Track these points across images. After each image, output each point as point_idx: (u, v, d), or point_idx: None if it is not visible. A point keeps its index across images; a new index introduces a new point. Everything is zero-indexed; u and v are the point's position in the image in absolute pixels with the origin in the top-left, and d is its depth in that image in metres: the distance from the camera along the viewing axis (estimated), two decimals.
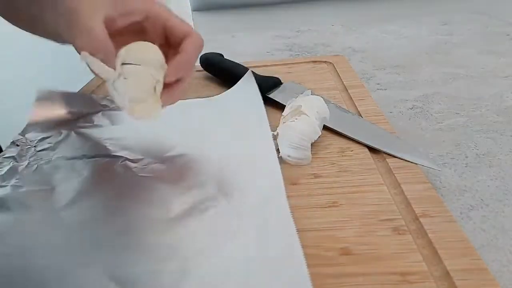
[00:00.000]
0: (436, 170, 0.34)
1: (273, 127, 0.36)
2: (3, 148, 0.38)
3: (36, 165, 0.35)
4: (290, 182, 0.32)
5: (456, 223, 0.26)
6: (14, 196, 0.32)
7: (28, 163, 0.36)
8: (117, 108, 0.45)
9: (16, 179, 0.33)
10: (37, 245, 0.27)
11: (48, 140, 0.39)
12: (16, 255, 0.26)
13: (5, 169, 0.35)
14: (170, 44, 0.32)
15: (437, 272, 0.23)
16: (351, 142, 0.36)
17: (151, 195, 0.31)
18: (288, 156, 0.34)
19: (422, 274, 0.23)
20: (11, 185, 0.33)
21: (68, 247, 0.27)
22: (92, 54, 0.28)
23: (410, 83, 0.54)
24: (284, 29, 0.84)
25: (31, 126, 0.40)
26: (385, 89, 0.53)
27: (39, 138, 0.39)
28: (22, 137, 0.39)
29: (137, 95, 0.30)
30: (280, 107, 0.41)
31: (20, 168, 0.35)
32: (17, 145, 0.38)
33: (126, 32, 0.31)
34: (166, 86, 0.31)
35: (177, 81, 0.31)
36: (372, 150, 0.35)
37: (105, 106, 0.45)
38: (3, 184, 0.33)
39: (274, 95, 0.44)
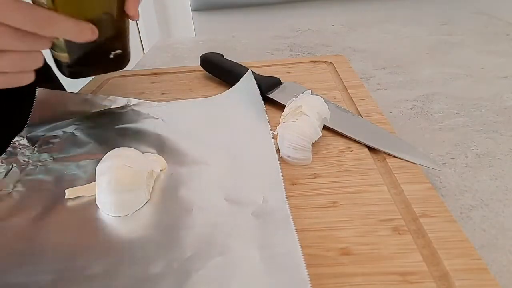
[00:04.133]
0: (436, 170, 0.34)
1: (273, 127, 0.36)
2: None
3: (36, 166, 0.35)
4: (290, 182, 0.32)
5: (456, 223, 0.26)
6: (14, 197, 0.32)
7: (29, 164, 0.36)
8: (117, 108, 0.45)
9: (17, 180, 0.33)
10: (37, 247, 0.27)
11: (48, 140, 0.39)
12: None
13: (6, 170, 0.35)
14: None
15: (437, 272, 0.23)
16: (351, 142, 0.36)
17: None
18: (288, 156, 0.34)
19: (422, 274, 0.23)
20: (12, 186, 0.33)
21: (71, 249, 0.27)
22: None
23: (410, 83, 0.54)
24: (284, 29, 0.84)
25: (32, 126, 0.40)
26: (385, 89, 0.53)
27: (39, 138, 0.39)
28: (22, 137, 0.39)
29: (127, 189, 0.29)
30: (280, 107, 0.41)
31: (20, 169, 0.35)
32: (18, 146, 0.38)
33: None
34: None
35: None
36: (372, 150, 0.35)
37: (105, 106, 0.45)
38: (4, 186, 0.33)
39: (274, 95, 0.44)
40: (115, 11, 0.34)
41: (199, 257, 0.24)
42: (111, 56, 0.36)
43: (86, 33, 0.31)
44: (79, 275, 0.24)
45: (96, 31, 0.32)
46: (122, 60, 0.38)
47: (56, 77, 0.57)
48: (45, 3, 0.29)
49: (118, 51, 0.36)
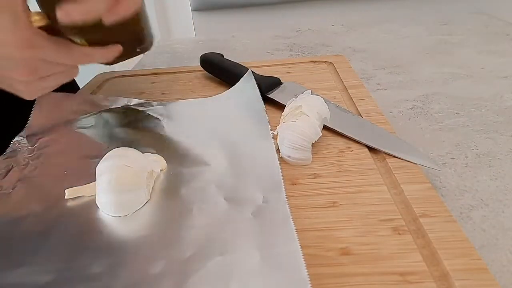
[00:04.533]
0: (436, 170, 0.34)
1: (273, 127, 0.36)
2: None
3: (37, 166, 0.35)
4: (290, 182, 0.32)
5: (456, 223, 0.26)
6: (14, 197, 0.32)
7: (29, 164, 0.36)
8: (117, 108, 0.45)
9: (17, 180, 0.33)
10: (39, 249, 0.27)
11: (48, 140, 0.39)
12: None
13: (6, 170, 0.35)
14: None
15: (437, 272, 0.23)
16: (351, 142, 0.36)
17: None
18: (289, 156, 0.34)
19: (422, 274, 0.23)
20: (12, 186, 0.33)
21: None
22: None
23: (410, 83, 0.54)
24: (284, 29, 0.84)
25: (32, 126, 0.40)
26: (385, 89, 0.53)
27: (39, 138, 0.39)
28: (22, 138, 0.39)
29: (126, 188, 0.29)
30: (280, 107, 0.41)
31: (21, 169, 0.35)
32: (18, 146, 0.38)
33: None
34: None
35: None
36: (372, 150, 0.35)
37: (105, 106, 0.45)
38: (5, 186, 0.33)
39: (274, 95, 0.44)
40: (138, 26, 0.38)
41: (199, 257, 0.24)
42: (138, 49, 0.41)
43: (113, 55, 0.36)
44: (79, 275, 0.24)
45: (121, 48, 0.36)
46: (147, 47, 0.42)
47: None
48: (79, 42, 0.34)
49: (143, 45, 0.41)
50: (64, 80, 0.36)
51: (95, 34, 0.34)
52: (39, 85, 0.34)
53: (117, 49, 0.36)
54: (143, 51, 0.41)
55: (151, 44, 0.42)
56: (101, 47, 0.35)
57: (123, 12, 0.31)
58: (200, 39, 0.84)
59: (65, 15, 0.28)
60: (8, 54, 0.30)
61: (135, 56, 0.42)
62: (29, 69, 0.32)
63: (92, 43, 0.35)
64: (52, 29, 0.32)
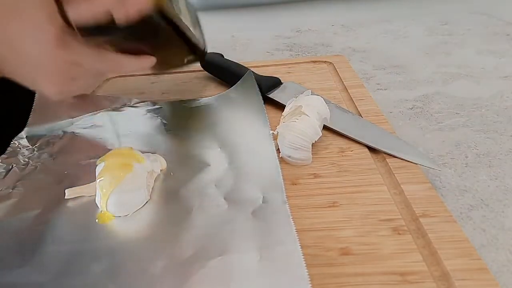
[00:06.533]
0: (436, 170, 0.34)
1: (273, 127, 0.36)
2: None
3: (36, 166, 0.35)
4: (290, 182, 0.32)
5: (456, 223, 0.26)
6: (14, 197, 0.32)
7: (29, 164, 0.36)
8: (117, 108, 0.45)
9: (17, 180, 0.33)
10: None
11: (48, 140, 0.39)
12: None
13: (6, 170, 0.35)
14: None
15: (437, 272, 0.23)
16: (351, 142, 0.36)
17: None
18: (289, 156, 0.34)
19: (422, 274, 0.23)
20: (12, 186, 0.33)
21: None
22: None
23: (410, 83, 0.54)
24: (284, 29, 0.84)
25: (32, 126, 0.40)
26: (385, 89, 0.53)
27: (39, 138, 0.39)
28: (22, 137, 0.39)
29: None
30: (280, 107, 0.41)
31: (21, 169, 0.35)
32: (18, 146, 0.38)
33: None
34: None
35: None
36: (372, 150, 0.35)
37: (105, 106, 0.45)
38: (5, 186, 0.33)
39: (274, 95, 0.44)
40: (177, 36, 0.34)
41: (199, 257, 0.24)
42: (186, 61, 0.39)
43: (146, 65, 0.34)
44: (79, 275, 0.24)
45: (153, 59, 0.34)
46: (195, 59, 0.40)
47: None
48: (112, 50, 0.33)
49: (190, 57, 0.39)
50: (93, 85, 0.36)
51: (122, 41, 0.32)
52: (67, 87, 0.33)
53: (149, 60, 0.34)
54: (190, 62, 0.39)
55: (202, 56, 0.39)
56: (134, 56, 0.33)
57: (131, 9, 0.28)
58: None
59: (75, 14, 0.28)
60: (38, 52, 0.29)
61: (184, 66, 0.40)
62: (59, 69, 0.30)
63: (124, 51, 0.32)
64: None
